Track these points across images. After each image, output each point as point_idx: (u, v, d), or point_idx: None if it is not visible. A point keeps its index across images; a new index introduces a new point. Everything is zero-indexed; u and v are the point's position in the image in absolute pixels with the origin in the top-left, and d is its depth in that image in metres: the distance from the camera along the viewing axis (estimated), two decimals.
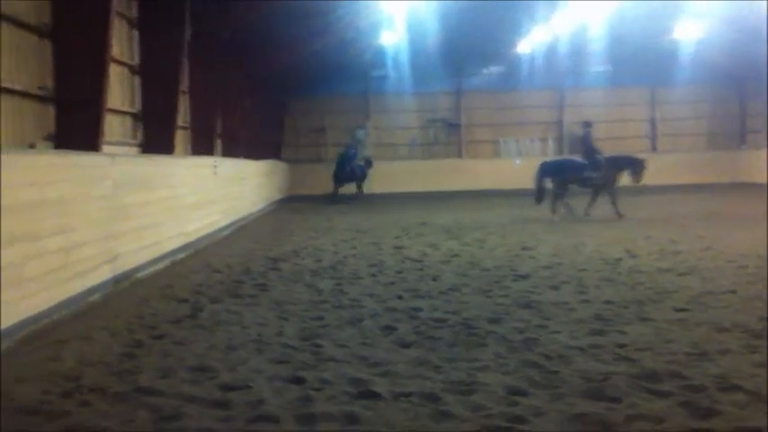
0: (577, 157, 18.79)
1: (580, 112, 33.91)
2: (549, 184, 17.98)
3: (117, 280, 9.43)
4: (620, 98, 33.61)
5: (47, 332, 7.02)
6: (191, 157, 17.22)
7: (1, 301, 6.33)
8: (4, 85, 9.52)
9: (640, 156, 19.65)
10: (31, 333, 6.90)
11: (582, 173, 17.60)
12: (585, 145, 18.28)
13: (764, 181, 27.08)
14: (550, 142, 34.70)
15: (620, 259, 10.78)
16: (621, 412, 4.43)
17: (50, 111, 10.83)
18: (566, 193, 17.82)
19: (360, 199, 28.24)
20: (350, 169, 28.67)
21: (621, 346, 5.96)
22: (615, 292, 8.26)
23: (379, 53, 32.22)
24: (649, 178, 18.54)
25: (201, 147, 18.99)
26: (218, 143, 21.19)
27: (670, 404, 4.57)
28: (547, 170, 18.11)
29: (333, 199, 27.52)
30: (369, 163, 30.37)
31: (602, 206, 17.85)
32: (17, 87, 9.85)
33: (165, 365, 5.74)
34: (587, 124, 18.54)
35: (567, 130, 34.39)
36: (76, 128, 10.77)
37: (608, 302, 7.70)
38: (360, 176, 29.26)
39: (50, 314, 7.44)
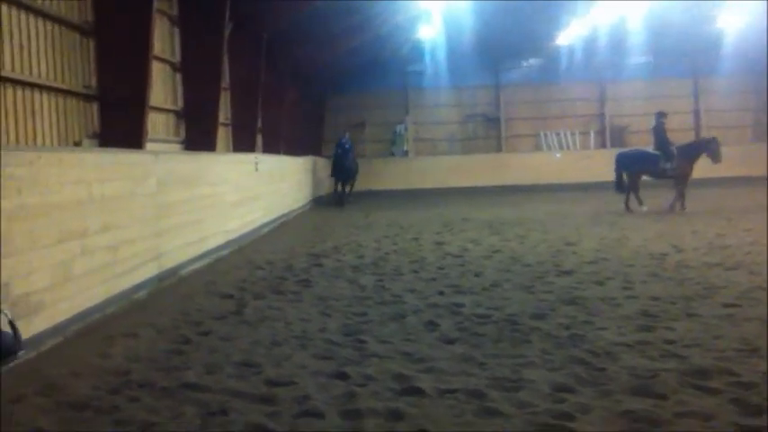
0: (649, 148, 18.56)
1: (621, 105, 33.56)
2: (626, 176, 17.91)
3: (162, 277, 9.55)
4: (662, 90, 33.02)
5: (95, 328, 7.15)
6: (232, 154, 17.37)
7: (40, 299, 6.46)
8: (49, 83, 9.69)
9: (710, 136, 19.38)
10: (80, 329, 7.03)
11: (657, 164, 17.42)
12: (658, 135, 17.97)
13: None
14: (592, 135, 34.27)
15: (666, 254, 10.61)
16: (670, 409, 4.36)
17: (94, 109, 11.00)
18: (638, 185, 17.72)
19: (349, 201, 25.43)
20: (348, 165, 25.61)
21: (669, 342, 5.87)
22: (662, 288, 8.13)
23: (418, 48, 32.13)
24: (694, 172, 18.23)
25: (243, 143, 19.14)
26: (260, 140, 21.34)
27: (719, 401, 4.49)
28: (623, 161, 17.99)
29: (339, 200, 25.10)
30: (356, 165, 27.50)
31: (653, 198, 17.64)
32: (62, 86, 10.02)
33: (210, 361, 5.80)
34: (661, 114, 18.18)
35: (609, 122, 33.96)
36: (120, 126, 10.93)
37: (655, 298, 7.59)
38: (353, 175, 26.64)
39: (98, 311, 7.56)
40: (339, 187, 25.49)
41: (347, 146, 25.57)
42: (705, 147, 17.86)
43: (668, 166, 17.36)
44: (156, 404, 4.79)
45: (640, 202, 17.56)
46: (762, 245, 11.10)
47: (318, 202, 26.32)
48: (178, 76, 15.17)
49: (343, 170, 25.29)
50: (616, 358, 5.46)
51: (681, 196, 17.33)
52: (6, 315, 2.67)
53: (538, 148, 34.31)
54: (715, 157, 17.57)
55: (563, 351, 5.71)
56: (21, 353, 2.61)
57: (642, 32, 29.48)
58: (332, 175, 26.04)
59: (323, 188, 29.24)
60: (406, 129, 34.32)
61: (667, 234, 12.93)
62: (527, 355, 5.64)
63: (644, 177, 18.10)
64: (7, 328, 2.69)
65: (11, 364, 5.08)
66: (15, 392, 5.08)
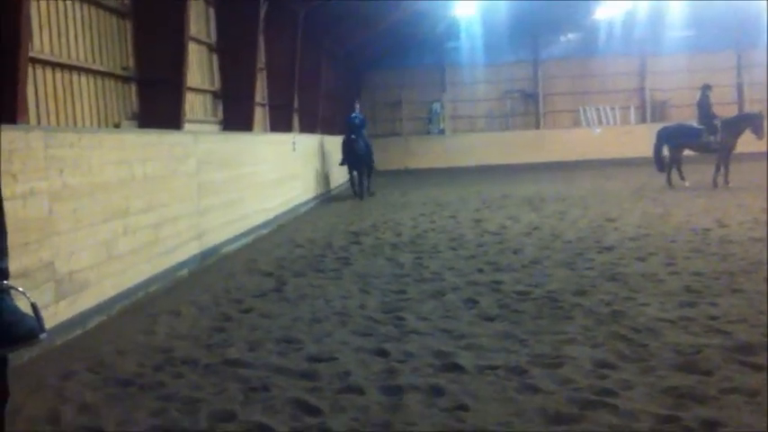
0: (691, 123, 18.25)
1: (662, 79, 32.90)
2: (666, 150, 17.65)
3: (204, 255, 9.67)
4: (704, 64, 32.27)
5: (139, 306, 7.28)
6: (270, 134, 17.44)
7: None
8: (88, 66, 9.79)
9: (755, 110, 18.94)
10: (125, 307, 7.16)
11: (700, 138, 17.13)
12: (702, 109, 17.64)
13: None
14: (632, 110, 33.72)
15: (709, 229, 10.43)
16: (714, 386, 4.30)
17: (133, 90, 11.11)
18: (681, 160, 17.45)
19: (371, 194, 19.92)
20: (360, 148, 19.36)
21: (713, 318, 5.79)
22: (705, 264, 8.00)
23: (454, 25, 31.83)
24: (739, 145, 17.86)
25: (280, 123, 19.19)
26: (297, 119, 21.38)
27: (764, 377, 4.40)
28: (664, 136, 17.76)
29: (359, 192, 19.54)
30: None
31: (694, 173, 17.35)
32: (100, 68, 10.12)
33: (252, 338, 5.87)
34: (706, 87, 17.84)
35: (650, 97, 33.37)
36: (159, 107, 11.01)
37: (698, 274, 7.48)
38: (368, 160, 19.96)
39: (142, 289, 7.69)
40: (355, 177, 19.76)
41: (357, 121, 19.74)
42: (750, 121, 17.46)
43: (711, 139, 17.03)
44: (200, 380, 4.86)
45: (682, 177, 17.30)
46: None
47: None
48: (215, 57, 15.24)
49: (354, 155, 19.34)
50: (659, 334, 5.39)
51: (725, 171, 17.00)
52: (29, 298, 2.69)
53: (577, 123, 33.85)
54: (758, 131, 17.17)
55: (605, 327, 5.66)
56: (42, 336, 2.62)
57: (683, 5, 28.81)
58: (342, 163, 19.88)
59: None
60: (442, 107, 34.11)
61: (711, 209, 12.72)
62: (568, 331, 5.60)
63: (686, 152, 17.80)
64: (30, 312, 2.71)
65: (34, 348, 5.16)
66: (63, 369, 5.20)
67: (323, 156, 20.93)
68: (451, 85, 34.35)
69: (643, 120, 32.90)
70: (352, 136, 19.31)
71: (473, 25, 31.31)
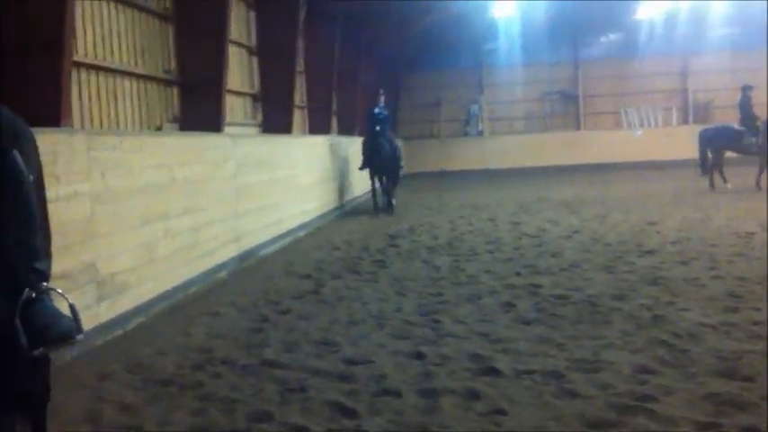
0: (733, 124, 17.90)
1: (705, 80, 32.33)
2: (710, 153, 17.34)
3: (242, 258, 9.75)
4: (748, 63, 31.67)
5: (178, 308, 7.37)
6: (309, 136, 17.54)
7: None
8: (131, 69, 9.95)
9: None
10: (165, 309, 7.25)
11: (741, 140, 16.79)
12: (744, 110, 17.28)
13: None
14: (674, 111, 33.21)
15: (753, 233, 10.22)
16: (756, 392, 4.21)
17: (174, 93, 11.26)
18: (723, 162, 17.15)
19: (393, 207, 16.08)
20: (385, 149, 15.78)
21: (756, 323, 5.66)
22: (749, 268, 7.84)
23: (493, 25, 31.67)
24: None
25: (318, 125, 19.30)
26: (335, 121, 21.47)
27: None
28: (707, 138, 17.46)
29: (378, 205, 16.24)
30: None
31: (737, 176, 17.03)
32: (142, 72, 10.28)
33: (289, 339, 5.90)
34: (747, 88, 17.48)
35: (692, 98, 32.83)
36: (199, 109, 11.15)
37: (741, 279, 7.33)
38: (395, 165, 16.30)
39: (181, 290, 7.78)
40: (377, 184, 16.41)
41: (382, 116, 16.15)
42: None
43: (753, 141, 16.66)
44: (238, 381, 4.90)
45: (725, 180, 16.98)
46: None
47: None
48: (254, 60, 15.38)
49: (378, 156, 15.74)
50: (700, 340, 5.30)
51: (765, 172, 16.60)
52: (67, 299, 2.74)
53: (618, 125, 33.44)
54: None
55: (645, 332, 5.57)
56: (79, 337, 2.66)
57: (726, 3, 28.28)
58: (363, 167, 16.31)
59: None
60: (480, 108, 33.96)
61: (754, 212, 12.46)
62: (607, 336, 5.53)
63: (728, 154, 17.46)
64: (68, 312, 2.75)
65: (74, 349, 5.23)
66: (104, 369, 5.29)
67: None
68: (490, 87, 34.16)
69: (685, 121, 32.38)
70: (377, 130, 15.73)
71: (512, 26, 31.10)
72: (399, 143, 16.69)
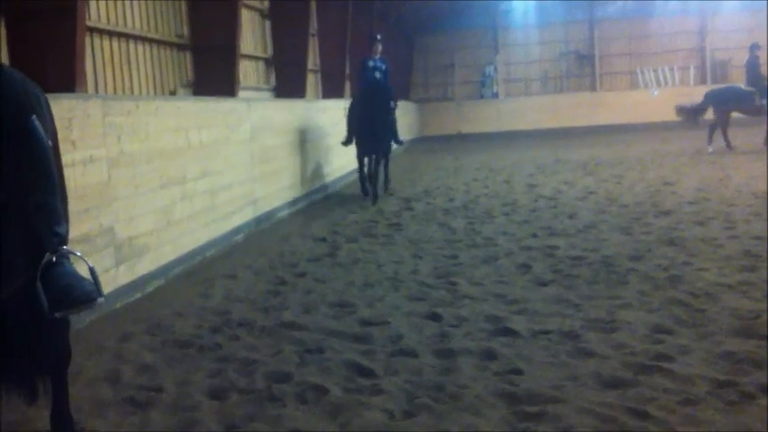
0: (740, 85, 17.57)
1: (724, 38, 31.82)
2: (710, 112, 17.01)
3: (259, 220, 9.80)
4: (766, 21, 31.15)
5: (196, 270, 7.43)
6: (323, 101, 17.47)
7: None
8: (143, 34, 9.91)
9: None
10: (183, 271, 7.32)
11: (751, 101, 16.48)
12: (751, 70, 16.94)
13: None
14: (692, 71, 32.76)
15: None
16: None
17: (188, 58, 11.22)
18: (728, 123, 16.87)
19: (387, 191, 12.99)
20: (378, 118, 11.90)
21: None
22: (766, 228, 7.79)
23: None
24: None
25: (332, 90, 19.20)
26: (348, 85, 21.35)
27: None
28: (713, 99, 17.13)
29: (367, 189, 12.29)
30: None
31: (751, 137, 16.81)
32: (155, 36, 10.24)
33: (306, 301, 5.95)
34: (755, 47, 17.09)
35: (711, 56, 32.35)
36: (213, 74, 11.11)
37: (758, 238, 7.28)
38: (386, 140, 12.54)
39: (199, 253, 7.84)
40: (367, 164, 12.41)
41: (378, 70, 12.37)
42: None
43: (764, 102, 16.34)
44: (256, 342, 4.96)
45: (729, 144, 16.58)
46: None
47: (409, 147, 26.25)
48: (267, 24, 15.27)
49: (369, 128, 11.91)
50: (717, 299, 5.29)
51: None
52: (87, 263, 2.76)
53: (634, 85, 33.08)
54: None
55: (661, 292, 5.57)
56: (100, 300, 2.69)
57: None
58: (347, 141, 12.66)
59: (412, 132, 29.10)
60: (495, 70, 33.64)
61: None
62: (623, 296, 5.53)
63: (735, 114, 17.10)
64: (88, 276, 2.78)
65: (93, 312, 5.29)
66: (123, 331, 5.36)
67: None
68: (504, 48, 33.82)
69: (703, 81, 31.96)
70: (369, 89, 12.03)
71: None
72: (397, 108, 12.82)
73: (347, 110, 13.21)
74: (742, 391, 3.68)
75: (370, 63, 12.36)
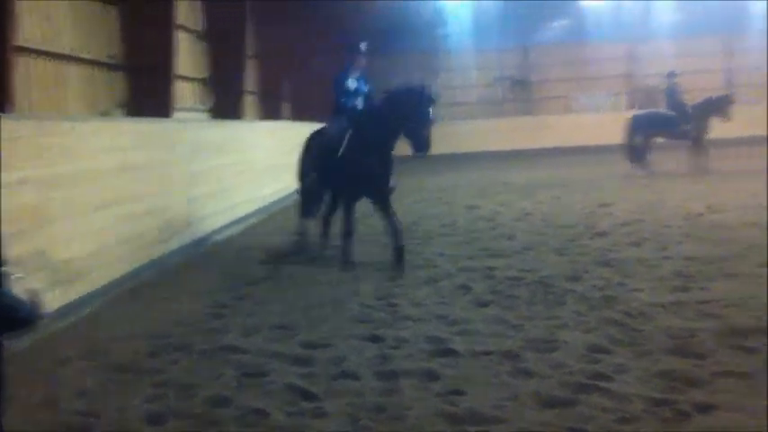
0: (663, 110, 18.10)
1: (651, 65, 32.86)
2: (639, 139, 17.44)
3: (196, 243, 9.65)
4: (693, 48, 32.30)
5: (134, 294, 7.26)
6: (261, 122, 17.39)
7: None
8: (75, 54, 9.70)
9: (720, 94, 18.72)
10: (119, 294, 7.14)
11: (676, 126, 16.98)
12: (671, 97, 17.55)
13: None
14: (624, 96, 33.72)
15: (701, 214, 10.46)
16: (707, 369, 4.33)
17: (120, 78, 11.03)
18: (652, 148, 17.32)
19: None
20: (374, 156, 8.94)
21: (705, 302, 5.82)
22: (698, 248, 8.03)
23: (444, 10, 31.73)
24: (727, 130, 17.84)
25: (270, 111, 19.12)
26: (288, 107, 21.29)
27: (757, 360, 4.44)
28: (639, 124, 17.55)
29: (346, 256, 8.41)
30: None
31: (682, 160, 17.34)
32: (87, 56, 10.03)
33: (247, 324, 5.87)
34: (672, 74, 17.76)
35: (640, 83, 33.36)
36: (147, 95, 10.95)
37: (690, 259, 7.50)
38: (385, 194, 8.84)
39: (135, 277, 7.67)
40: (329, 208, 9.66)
41: (363, 94, 9.06)
42: (719, 104, 17.28)
43: (687, 127, 16.90)
44: (196, 366, 4.87)
45: (640, 166, 17.06)
46: None
47: None
48: (203, 45, 15.14)
49: (374, 165, 9.00)
50: (652, 319, 5.43)
51: (704, 156, 16.84)
52: (26, 284, 2.70)
53: (569, 110, 33.87)
54: (726, 115, 17.02)
55: (597, 312, 5.68)
56: (40, 321, 2.62)
57: None
58: (303, 188, 9.50)
59: None
60: (437, 93, 33.88)
61: (704, 194, 12.72)
62: (561, 316, 5.63)
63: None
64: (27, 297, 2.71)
65: (30, 335, 5.13)
66: (59, 355, 5.20)
67: None
68: (446, 72, 34.22)
69: (633, 106, 32.89)
70: (353, 117, 8.75)
71: (462, 10, 31.24)
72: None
73: (307, 144, 9.50)
74: (678, 409, 3.78)
75: (351, 84, 8.93)
